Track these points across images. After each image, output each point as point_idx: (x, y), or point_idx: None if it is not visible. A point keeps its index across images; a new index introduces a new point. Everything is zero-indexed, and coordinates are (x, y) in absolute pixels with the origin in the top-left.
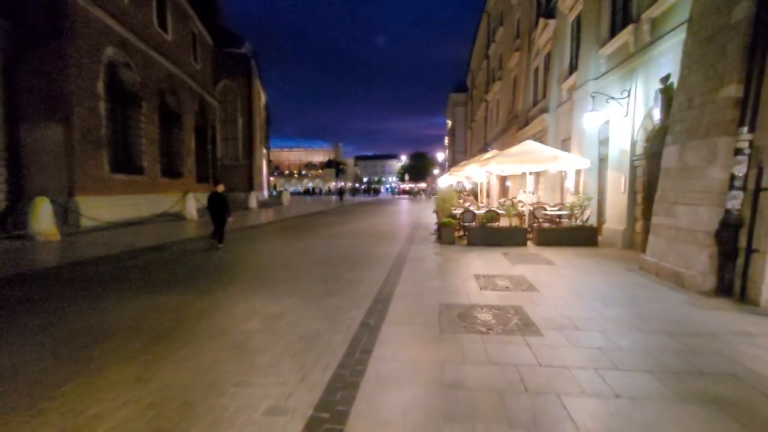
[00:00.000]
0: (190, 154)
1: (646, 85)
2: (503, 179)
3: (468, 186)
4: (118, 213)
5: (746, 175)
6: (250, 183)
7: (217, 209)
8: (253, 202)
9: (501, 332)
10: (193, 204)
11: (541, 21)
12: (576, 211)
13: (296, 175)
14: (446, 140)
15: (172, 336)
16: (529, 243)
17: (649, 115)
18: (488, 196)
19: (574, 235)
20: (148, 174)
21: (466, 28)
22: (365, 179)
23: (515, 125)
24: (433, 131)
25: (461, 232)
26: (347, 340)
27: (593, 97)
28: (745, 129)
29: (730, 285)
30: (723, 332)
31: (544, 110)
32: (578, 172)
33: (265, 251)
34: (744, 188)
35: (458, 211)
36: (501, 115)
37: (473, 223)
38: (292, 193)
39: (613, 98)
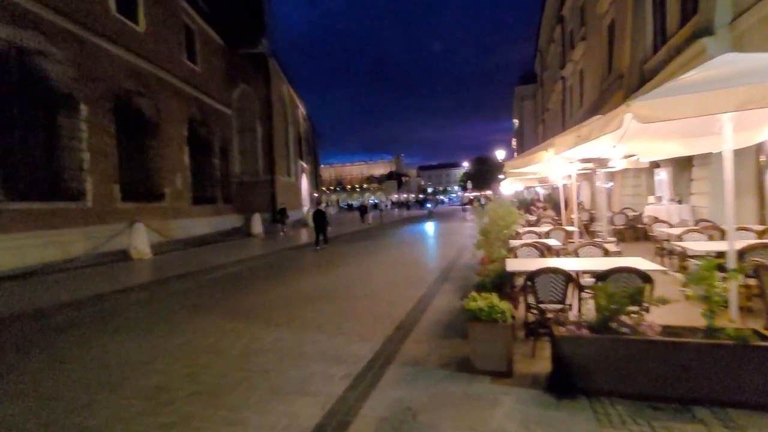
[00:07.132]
0: (179, 170)
1: None
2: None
3: (543, 193)
4: (17, 258)
5: None
6: (272, 201)
7: (320, 221)
8: (257, 227)
9: None
10: (145, 237)
11: None
12: None
13: (358, 189)
14: (513, 142)
15: None
16: None
17: None
18: (578, 208)
19: None
20: (93, 199)
21: (531, 19)
22: (429, 189)
23: (620, 90)
24: (501, 136)
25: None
26: None
27: None
28: None
29: None
30: None
31: (702, 32)
32: None
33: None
34: None
35: (514, 268)
36: (588, 88)
37: (567, 308)
38: (342, 209)
39: None
